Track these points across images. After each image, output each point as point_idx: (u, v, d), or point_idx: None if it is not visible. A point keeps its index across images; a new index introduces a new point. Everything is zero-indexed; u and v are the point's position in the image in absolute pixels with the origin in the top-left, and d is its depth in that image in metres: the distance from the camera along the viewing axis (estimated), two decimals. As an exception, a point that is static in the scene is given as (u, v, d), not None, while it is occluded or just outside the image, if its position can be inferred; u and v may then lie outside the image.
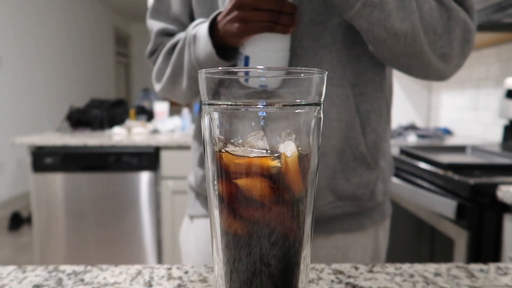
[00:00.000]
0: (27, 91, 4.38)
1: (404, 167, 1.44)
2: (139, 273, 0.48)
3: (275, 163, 0.33)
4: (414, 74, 0.68)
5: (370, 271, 0.49)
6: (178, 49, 0.71)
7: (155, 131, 2.47)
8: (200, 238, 0.79)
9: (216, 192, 0.36)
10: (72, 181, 2.06)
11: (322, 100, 0.35)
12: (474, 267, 0.50)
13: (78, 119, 2.52)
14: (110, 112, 2.58)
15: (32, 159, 2.03)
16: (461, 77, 2.30)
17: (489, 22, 1.58)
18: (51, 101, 4.84)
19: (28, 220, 3.44)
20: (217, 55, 0.64)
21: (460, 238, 1.09)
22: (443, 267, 0.50)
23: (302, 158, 0.34)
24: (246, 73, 0.57)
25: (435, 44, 0.61)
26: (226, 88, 0.33)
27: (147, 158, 2.03)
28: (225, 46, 0.65)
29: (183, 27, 0.77)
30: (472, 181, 1.04)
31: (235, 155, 0.33)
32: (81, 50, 5.68)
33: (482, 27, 1.65)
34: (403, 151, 1.55)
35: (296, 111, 0.33)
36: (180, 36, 0.73)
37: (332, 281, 0.46)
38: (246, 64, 0.63)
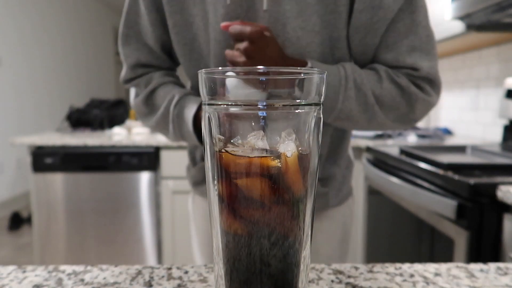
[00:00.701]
0: (27, 91, 4.38)
1: (404, 167, 1.44)
2: (139, 273, 0.48)
3: (275, 163, 0.33)
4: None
5: (370, 271, 0.49)
6: (159, 115, 0.77)
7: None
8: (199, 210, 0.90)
9: (216, 192, 0.36)
10: (72, 181, 2.06)
11: (322, 100, 0.35)
12: (474, 267, 0.50)
13: (78, 119, 2.52)
14: (110, 112, 2.58)
15: (32, 159, 2.03)
16: (461, 77, 2.30)
17: (489, 22, 1.58)
18: (51, 101, 4.84)
19: (28, 220, 3.44)
20: (197, 140, 0.73)
21: (460, 238, 1.09)
22: (443, 267, 0.50)
23: (302, 158, 0.34)
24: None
25: (400, 118, 0.72)
26: (226, 88, 0.33)
27: (147, 158, 2.03)
28: None
29: (155, 56, 0.79)
30: (472, 181, 1.04)
31: (235, 155, 0.33)
32: (81, 50, 5.68)
33: (482, 27, 1.65)
34: (403, 151, 1.55)
35: (296, 111, 0.33)
36: (156, 83, 0.78)
37: (332, 281, 0.46)
38: None
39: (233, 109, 0.33)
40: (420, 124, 2.66)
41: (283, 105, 0.33)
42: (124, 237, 2.08)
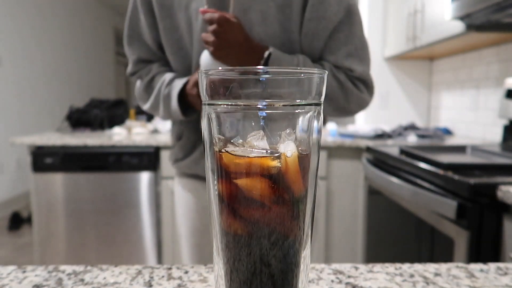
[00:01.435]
0: (27, 91, 4.38)
1: (404, 167, 1.44)
2: (139, 273, 0.48)
3: (275, 163, 0.33)
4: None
5: (370, 271, 0.49)
6: (153, 96, 0.91)
7: (155, 131, 2.47)
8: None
9: (216, 192, 0.36)
10: (72, 181, 2.06)
11: (322, 100, 0.35)
12: (474, 267, 0.50)
13: (78, 119, 2.52)
14: (110, 112, 2.58)
15: (32, 159, 2.03)
16: (461, 77, 2.30)
17: (489, 22, 1.58)
18: (51, 101, 4.84)
19: (28, 220, 3.44)
20: (183, 116, 0.87)
21: (460, 238, 1.09)
22: (443, 267, 0.50)
23: (302, 158, 0.34)
24: None
25: (338, 109, 0.85)
26: (226, 88, 0.33)
27: (147, 158, 2.03)
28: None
29: (154, 54, 0.94)
30: (472, 181, 1.04)
31: (235, 155, 0.33)
32: (81, 50, 5.68)
33: (482, 27, 1.65)
34: (403, 151, 1.55)
35: (296, 111, 0.33)
36: (154, 72, 0.92)
37: (332, 281, 0.46)
38: None
39: (233, 109, 0.33)
40: (420, 124, 2.66)
41: (283, 105, 0.33)
42: (124, 237, 2.08)
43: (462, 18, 1.62)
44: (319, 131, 0.35)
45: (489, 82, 2.03)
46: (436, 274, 0.48)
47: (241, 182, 0.33)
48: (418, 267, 0.50)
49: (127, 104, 2.82)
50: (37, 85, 4.59)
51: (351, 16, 0.82)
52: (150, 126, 2.48)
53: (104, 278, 0.47)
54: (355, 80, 0.85)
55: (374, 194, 1.82)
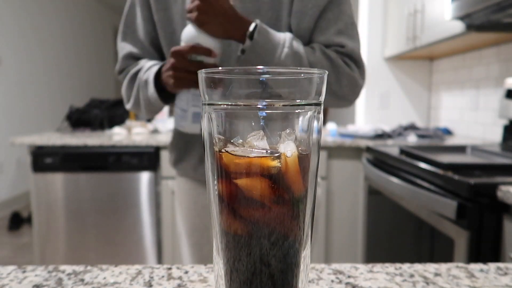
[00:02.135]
0: (27, 91, 4.38)
1: (404, 167, 1.44)
2: (139, 273, 0.48)
3: (275, 163, 0.33)
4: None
5: (370, 271, 0.49)
6: (136, 86, 0.90)
7: (155, 131, 2.47)
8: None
9: (216, 192, 0.36)
10: (72, 181, 2.06)
11: (322, 100, 0.35)
12: (474, 267, 0.50)
13: (78, 119, 2.52)
14: (110, 112, 2.58)
15: (32, 159, 2.03)
16: (461, 77, 2.30)
17: (489, 22, 1.58)
18: (51, 101, 4.84)
19: (28, 220, 3.44)
20: (160, 100, 0.86)
21: (460, 238, 1.09)
22: (443, 267, 0.50)
23: (302, 158, 0.34)
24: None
25: (330, 90, 0.82)
26: (226, 88, 0.33)
27: (147, 158, 2.03)
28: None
29: (145, 50, 0.94)
30: (472, 181, 1.04)
31: (235, 155, 0.33)
32: (81, 50, 5.68)
33: (482, 27, 1.64)
34: (403, 151, 1.55)
35: (296, 111, 0.33)
36: (140, 65, 0.91)
37: (332, 281, 0.46)
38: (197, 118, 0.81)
39: (233, 109, 0.33)
40: (420, 124, 2.66)
41: (283, 105, 0.33)
42: (124, 237, 2.08)
43: (462, 18, 1.62)
44: (319, 131, 0.35)
45: (489, 82, 2.03)
46: (436, 274, 0.48)
47: (241, 182, 0.33)
48: (418, 267, 0.50)
49: (127, 104, 2.81)
50: (37, 85, 4.59)
51: None
52: (150, 126, 2.48)
53: (104, 278, 0.47)
54: (346, 57, 0.84)
55: (374, 194, 1.82)
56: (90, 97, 2.87)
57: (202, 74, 0.35)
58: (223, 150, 0.34)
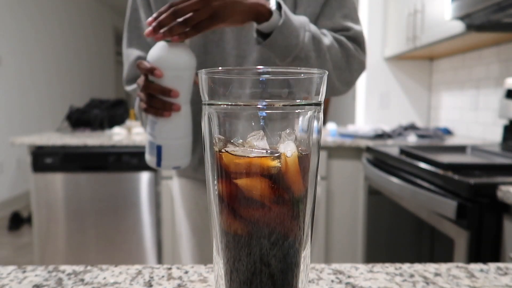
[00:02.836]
0: (27, 91, 4.38)
1: (404, 167, 1.44)
2: (139, 273, 0.48)
3: (275, 163, 0.33)
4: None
5: (370, 271, 0.49)
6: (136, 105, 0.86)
7: (155, 131, 2.47)
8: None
9: (216, 192, 0.36)
10: (72, 181, 2.06)
11: (322, 100, 0.35)
12: (474, 267, 0.50)
13: (78, 119, 2.52)
14: (110, 112, 2.57)
15: (32, 159, 2.02)
16: (461, 77, 2.30)
17: (489, 22, 1.58)
18: (51, 101, 4.84)
19: (28, 220, 3.44)
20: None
21: (460, 238, 1.09)
22: (443, 267, 0.50)
23: (302, 158, 0.34)
24: (159, 158, 0.72)
25: (341, 76, 0.82)
26: (226, 88, 0.33)
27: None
28: None
29: None
30: (472, 181, 1.04)
31: (235, 155, 0.33)
32: (81, 50, 5.68)
33: (482, 27, 1.64)
34: (403, 151, 1.54)
35: (296, 111, 0.33)
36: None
37: (332, 281, 0.46)
38: (159, 152, 0.73)
39: (233, 109, 0.33)
40: (420, 124, 2.66)
41: (283, 105, 0.33)
42: (124, 237, 2.08)
43: (462, 18, 1.62)
44: (319, 131, 0.35)
45: (489, 82, 2.03)
46: (436, 274, 0.48)
47: (241, 182, 0.33)
48: (418, 267, 0.50)
49: (127, 104, 2.82)
50: (37, 85, 4.59)
51: None
52: (150, 126, 2.48)
53: (104, 278, 0.47)
54: (351, 41, 0.85)
55: (374, 194, 1.82)
56: (90, 97, 2.87)
57: (202, 74, 0.35)
58: (223, 150, 0.34)
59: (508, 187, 0.98)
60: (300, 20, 0.74)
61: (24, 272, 0.48)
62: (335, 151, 2.06)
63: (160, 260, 2.12)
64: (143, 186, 2.05)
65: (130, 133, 2.35)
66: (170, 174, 2.05)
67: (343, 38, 0.83)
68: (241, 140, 0.34)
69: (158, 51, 0.68)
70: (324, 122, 2.26)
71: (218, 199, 0.35)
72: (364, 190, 1.96)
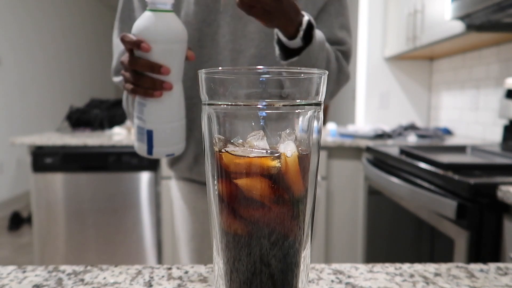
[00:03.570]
0: (27, 90, 4.38)
1: (404, 167, 1.44)
2: (139, 273, 0.48)
3: (275, 163, 0.33)
4: None
5: (370, 271, 0.49)
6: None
7: (155, 131, 2.47)
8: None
9: (216, 192, 0.36)
10: (72, 181, 2.06)
11: (322, 100, 0.35)
12: (474, 267, 0.50)
13: (78, 119, 2.52)
14: (110, 112, 2.57)
15: (32, 159, 2.02)
16: (461, 77, 2.30)
17: (489, 22, 1.58)
18: (51, 101, 4.84)
19: (28, 220, 3.44)
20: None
21: (460, 238, 1.09)
22: (443, 267, 0.50)
23: (302, 158, 0.34)
24: (150, 145, 0.64)
25: (329, 89, 0.82)
26: (226, 88, 0.33)
27: (147, 158, 2.03)
28: None
29: None
30: (472, 181, 1.04)
31: (235, 155, 0.33)
32: (82, 50, 5.67)
33: (482, 27, 1.64)
34: (403, 151, 1.54)
35: (296, 111, 0.33)
36: None
37: (332, 281, 0.46)
38: (150, 137, 0.64)
39: (233, 109, 0.33)
40: (420, 124, 2.66)
41: (283, 105, 0.33)
42: (124, 237, 2.08)
43: (462, 18, 1.62)
44: (319, 131, 0.35)
45: (489, 82, 2.03)
46: (436, 274, 0.48)
47: (241, 182, 0.33)
48: (418, 267, 0.50)
49: (127, 104, 2.81)
50: (37, 85, 4.59)
51: None
52: (150, 126, 2.48)
53: (104, 278, 0.47)
54: (344, 55, 0.85)
55: (374, 194, 1.82)
56: (90, 97, 2.87)
57: (202, 74, 0.35)
58: (223, 150, 0.34)
59: (508, 187, 0.98)
60: (319, 38, 0.72)
61: (24, 272, 0.48)
62: (335, 151, 2.06)
63: (160, 260, 2.12)
64: (143, 186, 2.05)
65: (130, 133, 2.35)
66: (170, 175, 2.05)
67: (339, 54, 0.83)
68: (241, 140, 0.34)
69: (145, 21, 0.59)
70: (324, 122, 2.26)
71: (218, 199, 0.35)
72: (364, 190, 1.96)
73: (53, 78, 4.94)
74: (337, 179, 2.08)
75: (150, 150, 0.66)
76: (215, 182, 0.35)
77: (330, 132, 2.27)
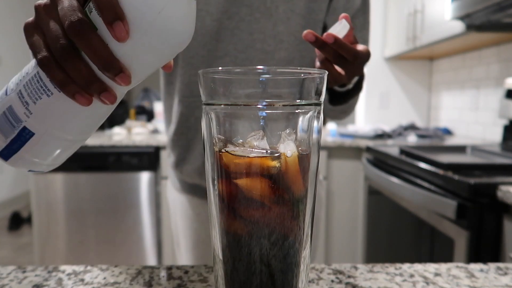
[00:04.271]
0: (27, 91, 4.38)
1: (404, 167, 1.44)
2: (139, 273, 0.48)
3: (275, 163, 0.33)
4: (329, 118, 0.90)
5: (370, 271, 0.49)
6: None
7: (155, 131, 2.47)
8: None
9: (216, 192, 0.36)
10: (72, 181, 2.06)
11: (322, 100, 0.35)
12: (474, 267, 0.50)
13: (78, 119, 2.51)
14: (110, 112, 2.57)
15: (32, 159, 2.02)
16: (461, 77, 2.30)
17: (489, 22, 1.58)
18: (51, 101, 4.84)
19: (28, 220, 3.44)
20: None
21: (460, 238, 1.09)
22: (443, 267, 0.50)
23: (302, 158, 0.34)
24: (15, 145, 0.35)
25: (342, 110, 0.81)
26: (226, 88, 0.33)
27: (147, 158, 2.03)
28: None
29: None
30: (472, 181, 1.04)
31: (235, 155, 0.33)
32: (81, 50, 5.68)
33: (482, 27, 1.64)
34: (403, 151, 1.55)
35: (296, 111, 0.33)
36: None
37: (332, 281, 0.46)
38: (23, 138, 0.35)
39: (233, 109, 0.33)
40: (420, 124, 2.66)
41: (283, 105, 0.33)
42: (124, 237, 2.08)
43: (462, 18, 1.62)
44: (319, 131, 0.35)
45: (489, 82, 2.03)
46: (436, 274, 0.48)
47: (241, 182, 0.33)
48: (418, 267, 0.50)
49: (127, 104, 2.81)
50: (37, 85, 4.58)
51: (366, 4, 0.81)
52: (150, 126, 2.48)
53: (104, 278, 0.47)
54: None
55: (374, 194, 1.82)
56: (90, 97, 2.86)
57: (202, 74, 0.34)
58: (223, 150, 0.34)
59: (508, 187, 0.98)
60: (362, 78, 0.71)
61: (24, 272, 0.48)
62: (335, 151, 2.06)
63: (160, 260, 2.12)
64: (143, 186, 2.06)
65: (130, 133, 2.35)
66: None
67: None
68: (241, 140, 0.34)
69: None
70: (324, 122, 2.25)
71: (218, 199, 0.35)
72: (364, 190, 1.96)
73: (53, 78, 4.94)
74: (337, 179, 2.08)
75: (8, 152, 0.37)
76: (215, 182, 0.36)
77: (330, 132, 2.27)
